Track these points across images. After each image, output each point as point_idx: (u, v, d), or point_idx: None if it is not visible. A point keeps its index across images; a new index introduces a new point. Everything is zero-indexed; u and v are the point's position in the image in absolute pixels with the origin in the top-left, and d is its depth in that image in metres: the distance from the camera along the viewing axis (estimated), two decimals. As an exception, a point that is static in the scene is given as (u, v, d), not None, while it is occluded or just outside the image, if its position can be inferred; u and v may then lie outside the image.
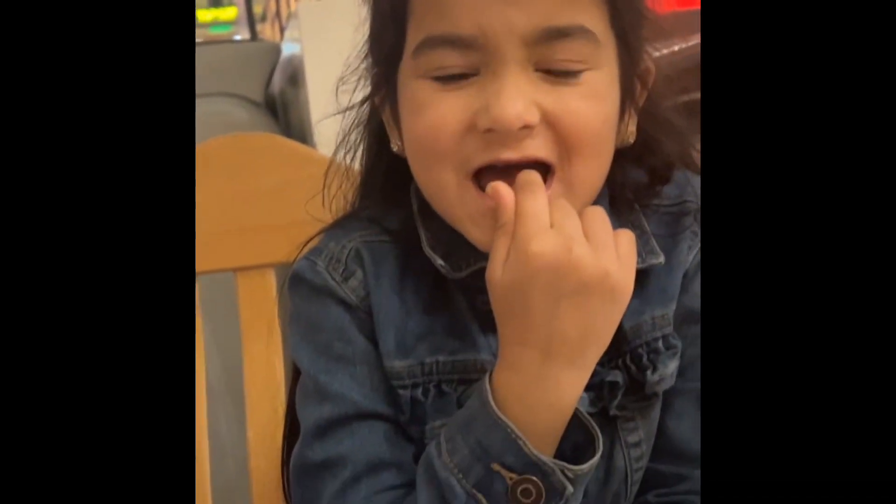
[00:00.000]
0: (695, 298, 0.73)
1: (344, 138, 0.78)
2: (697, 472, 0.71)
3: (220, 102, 2.21)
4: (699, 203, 0.73)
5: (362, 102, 0.76)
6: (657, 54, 0.72)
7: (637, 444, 0.72)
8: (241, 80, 2.34)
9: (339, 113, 0.77)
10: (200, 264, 0.99)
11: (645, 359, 0.70)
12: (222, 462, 1.00)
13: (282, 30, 4.12)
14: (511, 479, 0.61)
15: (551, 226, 0.61)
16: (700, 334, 0.72)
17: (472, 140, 0.64)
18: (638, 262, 0.66)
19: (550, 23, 0.63)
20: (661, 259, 0.71)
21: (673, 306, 0.72)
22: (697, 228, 0.73)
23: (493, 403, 0.62)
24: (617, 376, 0.69)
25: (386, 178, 0.76)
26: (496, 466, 0.61)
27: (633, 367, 0.70)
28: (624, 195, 0.73)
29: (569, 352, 0.61)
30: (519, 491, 0.61)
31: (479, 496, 0.61)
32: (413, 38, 0.66)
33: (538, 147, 0.64)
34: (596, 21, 0.65)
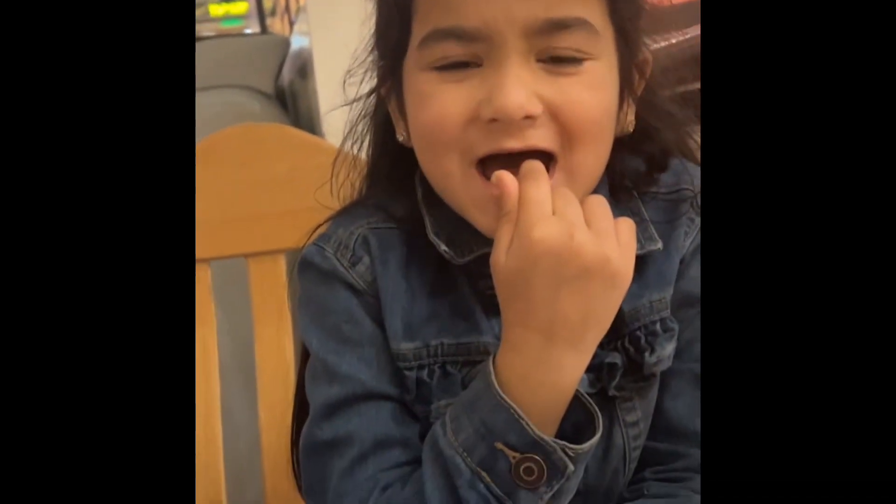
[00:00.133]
0: (691, 283, 0.72)
1: (351, 129, 0.78)
2: (693, 450, 0.71)
3: (232, 94, 2.21)
4: (696, 190, 0.73)
5: (369, 94, 0.76)
6: (655, 46, 0.71)
7: (635, 424, 0.72)
8: (251, 73, 2.34)
9: (346, 104, 0.77)
10: (213, 250, 0.99)
11: (643, 341, 0.70)
12: (235, 440, 1.01)
13: (291, 23, 4.12)
14: (514, 457, 0.61)
15: (553, 213, 0.60)
16: (695, 317, 0.72)
17: (476, 130, 0.64)
18: (637, 248, 0.66)
19: (551, 14, 0.62)
20: (660, 245, 0.71)
21: (670, 290, 0.72)
22: (694, 215, 0.73)
23: (496, 385, 0.62)
24: (616, 358, 0.69)
25: (392, 166, 0.76)
26: (499, 445, 0.61)
27: (631, 349, 0.70)
28: (623, 183, 0.73)
29: (570, 335, 0.61)
30: (522, 469, 0.61)
31: (483, 474, 0.61)
32: (418, 32, 0.65)
33: (540, 136, 0.64)
34: (595, 13, 0.64)
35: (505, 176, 0.62)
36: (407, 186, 0.74)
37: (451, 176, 0.67)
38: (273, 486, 0.98)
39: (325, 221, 0.77)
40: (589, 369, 0.66)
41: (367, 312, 0.72)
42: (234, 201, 1.00)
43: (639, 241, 0.68)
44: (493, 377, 0.62)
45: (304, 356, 0.77)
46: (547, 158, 0.64)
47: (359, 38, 0.74)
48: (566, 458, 0.61)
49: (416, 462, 0.66)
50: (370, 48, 0.74)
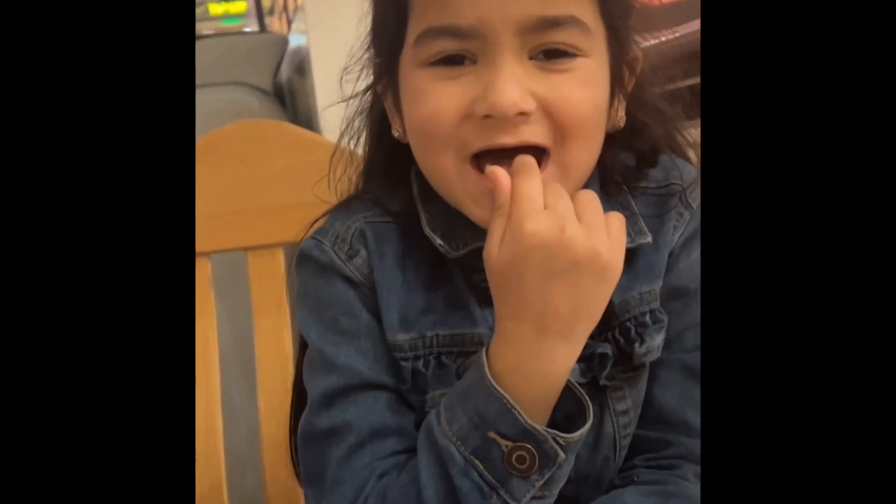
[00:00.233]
0: (680, 275, 0.73)
1: (348, 125, 0.77)
2: (682, 438, 0.71)
3: (232, 91, 2.21)
4: (684, 185, 0.73)
5: (365, 91, 0.76)
6: (645, 44, 0.71)
7: (625, 412, 0.72)
8: (251, 70, 2.34)
9: (343, 101, 0.77)
10: (213, 243, 0.99)
11: (633, 332, 0.70)
12: (235, 429, 1.01)
13: (289, 22, 4.11)
14: (506, 446, 0.61)
15: (545, 207, 0.60)
16: (684, 308, 0.73)
17: (471, 126, 0.64)
18: (627, 242, 0.66)
19: (544, 12, 0.62)
20: (649, 239, 0.71)
21: (659, 283, 0.72)
22: (683, 209, 0.73)
23: (489, 375, 0.62)
24: (607, 349, 0.69)
25: (388, 162, 0.76)
26: (492, 435, 0.61)
27: (621, 340, 0.70)
28: (613, 178, 0.73)
29: (561, 326, 0.61)
30: (514, 457, 0.61)
31: (477, 462, 0.61)
32: (414, 30, 0.65)
33: (534, 132, 0.64)
34: (587, 11, 0.64)
35: (497, 171, 0.62)
36: (403, 181, 0.74)
37: (446, 171, 0.67)
38: (272, 474, 0.98)
39: (323, 216, 0.77)
40: (580, 359, 0.66)
41: (363, 304, 0.72)
42: (234, 196, 1.00)
43: (629, 234, 0.68)
44: (486, 368, 0.62)
45: (302, 347, 0.77)
46: (540, 153, 0.64)
47: (355, 36, 0.74)
48: (557, 447, 0.61)
49: (412, 451, 0.66)
50: (366, 46, 0.73)
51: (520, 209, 0.60)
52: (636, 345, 0.70)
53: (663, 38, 0.74)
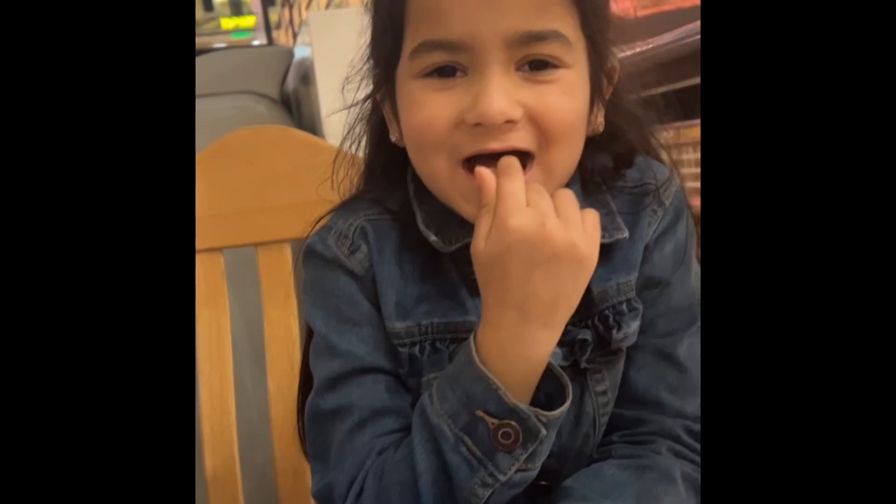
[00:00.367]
0: (654, 267, 0.73)
1: (349, 130, 0.77)
2: (656, 416, 0.72)
3: (242, 99, 2.21)
4: (658, 184, 0.73)
5: (365, 99, 0.76)
6: (621, 54, 0.71)
7: (604, 393, 0.72)
8: (259, 80, 2.33)
9: (345, 108, 0.77)
10: (226, 239, 0.99)
11: (611, 319, 0.70)
12: (246, 410, 1.01)
13: (294, 35, 4.10)
14: (493, 423, 0.61)
15: (527, 204, 0.61)
16: (658, 297, 0.73)
17: (462, 132, 0.64)
18: (605, 237, 0.67)
19: (529, 27, 0.62)
20: (626, 234, 0.71)
21: (635, 274, 0.72)
22: (657, 207, 0.73)
23: (477, 359, 0.62)
24: (587, 334, 0.69)
25: (386, 164, 0.76)
26: (480, 413, 0.61)
27: (600, 327, 0.70)
28: (593, 178, 0.73)
29: (542, 313, 0.61)
30: (500, 434, 0.61)
31: (466, 438, 0.62)
32: (410, 43, 0.65)
33: (520, 138, 0.64)
34: (568, 26, 0.64)
35: (484, 172, 0.62)
36: (400, 182, 0.74)
37: (439, 173, 0.67)
38: (281, 451, 0.98)
39: (327, 214, 0.77)
40: (563, 344, 0.67)
41: (364, 295, 0.72)
42: (245, 196, 1.00)
43: (607, 229, 0.68)
44: (473, 352, 0.62)
45: (308, 334, 0.77)
46: (525, 156, 0.64)
47: (356, 48, 0.74)
48: (539, 424, 0.61)
49: (408, 429, 0.66)
50: (366, 58, 0.73)
51: (504, 206, 0.60)
52: (614, 331, 0.70)
53: (638, 49, 0.74)
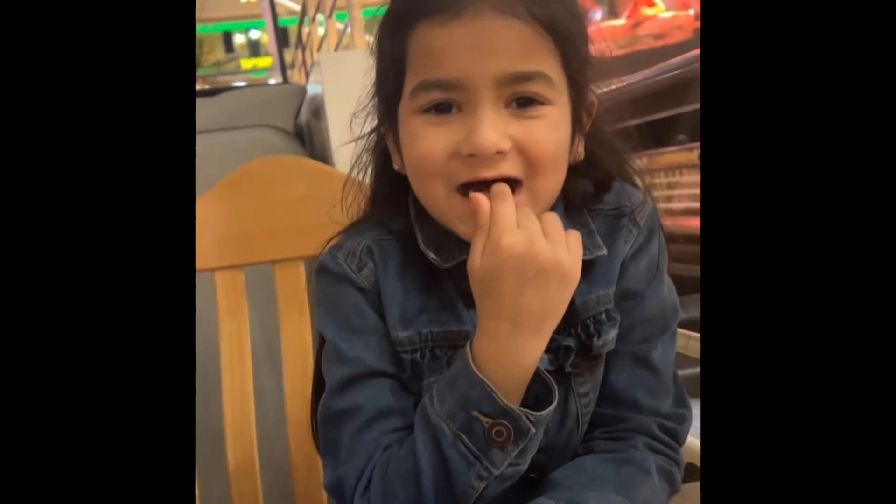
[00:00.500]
0: (630, 281, 0.73)
1: (357, 160, 0.77)
2: (633, 415, 0.72)
3: (260, 132, 2.21)
4: (633, 207, 0.73)
5: (371, 132, 0.76)
6: (599, 91, 0.72)
7: (586, 394, 0.72)
8: (275, 115, 2.34)
9: (352, 140, 0.77)
10: (246, 258, 0.99)
11: (592, 328, 0.70)
12: (265, 411, 1.00)
13: (307, 75, 4.11)
14: (487, 423, 0.61)
15: (518, 226, 0.61)
16: (633, 308, 0.73)
17: (457, 162, 0.64)
18: (586, 254, 0.67)
19: (517, 69, 0.63)
20: (605, 251, 0.71)
21: (613, 287, 0.72)
22: (632, 227, 0.73)
23: (472, 365, 0.62)
24: (570, 342, 0.69)
25: (390, 190, 0.76)
26: (476, 413, 0.61)
27: (583, 335, 0.70)
28: (575, 201, 0.73)
29: (532, 323, 0.61)
30: (493, 432, 0.61)
31: (463, 436, 0.62)
32: (410, 83, 0.66)
33: (509, 167, 0.64)
34: (551, 67, 0.65)
35: (479, 197, 0.62)
36: (402, 206, 0.74)
37: (437, 198, 0.67)
38: (296, 448, 0.98)
39: (337, 234, 0.77)
40: (549, 350, 0.67)
41: (371, 307, 0.71)
42: (263, 218, 1.00)
43: (588, 248, 0.68)
44: (469, 359, 0.62)
45: (320, 343, 0.76)
46: (514, 183, 0.65)
47: (362, 87, 0.74)
48: (529, 423, 0.61)
49: (411, 428, 0.66)
50: (371, 95, 0.74)
51: (497, 227, 0.61)
52: (594, 338, 0.70)
53: (614, 86, 0.74)
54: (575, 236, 0.64)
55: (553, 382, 0.63)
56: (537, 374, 0.63)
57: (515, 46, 0.63)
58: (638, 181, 0.76)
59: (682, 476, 0.73)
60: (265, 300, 1.02)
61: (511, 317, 0.61)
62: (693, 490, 0.74)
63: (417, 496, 0.63)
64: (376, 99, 0.73)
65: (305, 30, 4.43)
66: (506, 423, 0.61)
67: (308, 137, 2.23)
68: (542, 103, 0.65)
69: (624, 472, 0.68)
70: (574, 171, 0.71)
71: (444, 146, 0.64)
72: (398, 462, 0.65)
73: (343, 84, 1.72)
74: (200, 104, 2.67)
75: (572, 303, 0.65)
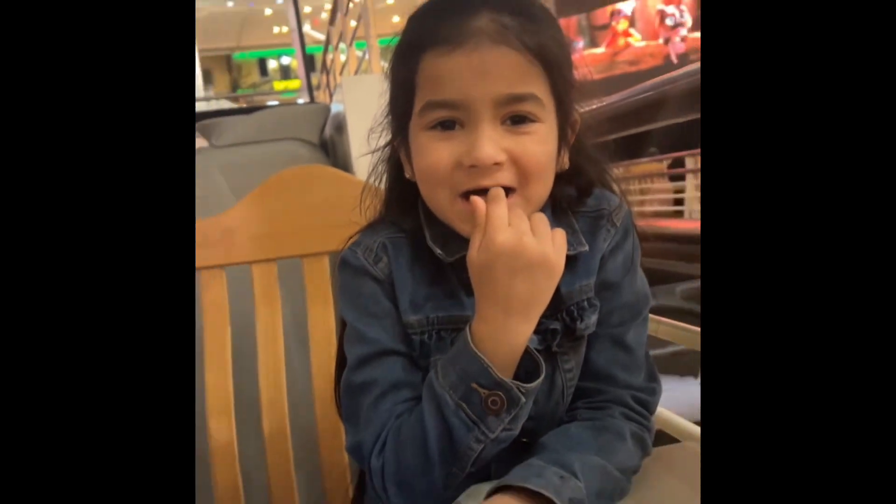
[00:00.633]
0: (608, 273, 0.73)
1: (374, 169, 0.78)
2: (610, 388, 0.72)
3: (289, 145, 2.21)
4: (611, 209, 0.74)
5: (385, 145, 0.76)
6: (582, 110, 0.72)
7: (570, 370, 0.72)
8: (303, 130, 2.34)
9: (370, 152, 0.77)
10: (278, 252, 1.00)
11: (575, 313, 0.70)
12: (294, 384, 1.01)
13: (331, 95, 4.12)
14: (484, 393, 0.61)
15: (510, 224, 0.61)
16: (611, 296, 0.73)
17: (460, 172, 0.65)
18: (570, 250, 0.67)
19: (512, 91, 0.63)
20: (586, 248, 0.71)
21: (594, 279, 0.72)
22: (610, 227, 0.73)
23: (471, 344, 0.62)
24: (557, 325, 0.70)
25: (402, 195, 0.76)
26: (474, 385, 0.62)
27: (567, 319, 0.70)
28: (561, 205, 0.73)
29: (521, 309, 0.62)
30: (489, 401, 0.61)
31: (463, 405, 0.62)
32: (419, 103, 0.66)
33: (504, 177, 0.64)
34: (541, 90, 0.65)
35: (477, 200, 0.63)
36: (412, 209, 0.74)
37: (443, 202, 0.67)
38: (322, 415, 0.98)
39: (356, 233, 0.77)
40: (538, 332, 0.67)
41: (385, 295, 0.72)
42: (293, 219, 1.00)
43: (572, 244, 0.69)
44: (469, 339, 0.63)
45: (342, 326, 0.77)
46: (508, 190, 0.65)
47: (378, 106, 0.74)
48: (520, 394, 0.61)
49: (419, 399, 0.66)
50: (386, 113, 0.74)
51: (492, 226, 0.61)
52: (578, 322, 0.70)
53: (595, 106, 0.75)
54: (560, 234, 0.64)
55: (540, 359, 0.64)
56: (527, 352, 0.64)
57: (510, 72, 0.63)
58: (615, 187, 0.76)
59: (653, 441, 0.73)
60: (295, 289, 1.02)
61: (503, 303, 0.61)
62: (662, 453, 0.75)
63: (425, 456, 0.64)
64: (390, 116, 0.73)
65: (329, 57, 4.44)
66: (500, 393, 0.61)
67: (332, 149, 2.24)
68: (533, 121, 0.65)
69: (603, 437, 0.68)
70: (560, 178, 0.71)
71: (448, 158, 0.65)
72: (408, 428, 0.66)
73: (362, 103, 1.72)
74: (239, 120, 2.67)
75: (558, 291, 0.66)
